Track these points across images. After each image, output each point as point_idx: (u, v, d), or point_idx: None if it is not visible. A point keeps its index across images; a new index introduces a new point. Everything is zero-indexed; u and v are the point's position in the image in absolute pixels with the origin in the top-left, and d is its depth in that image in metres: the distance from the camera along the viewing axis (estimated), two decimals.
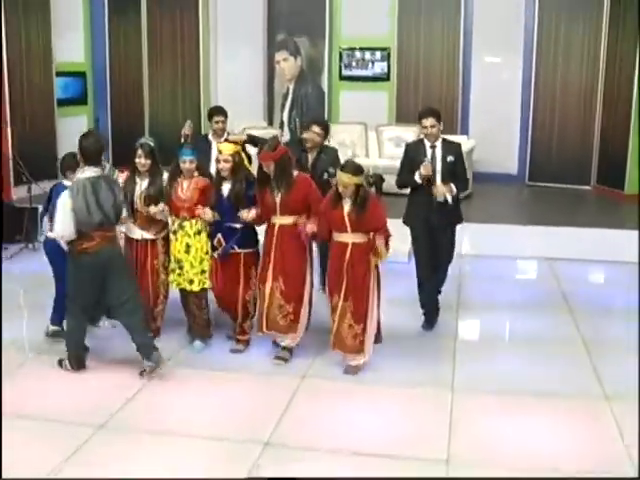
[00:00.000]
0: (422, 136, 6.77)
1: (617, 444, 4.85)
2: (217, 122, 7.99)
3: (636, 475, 4.44)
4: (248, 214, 6.09)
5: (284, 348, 6.23)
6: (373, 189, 5.91)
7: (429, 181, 6.57)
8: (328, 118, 12.77)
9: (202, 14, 13.00)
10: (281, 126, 12.97)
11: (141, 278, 6.45)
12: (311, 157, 7.15)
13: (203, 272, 6.32)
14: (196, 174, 6.32)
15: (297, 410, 5.38)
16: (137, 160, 6.33)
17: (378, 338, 6.10)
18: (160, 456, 4.76)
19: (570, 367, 6.06)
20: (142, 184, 6.38)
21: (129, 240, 6.54)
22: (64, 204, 5.69)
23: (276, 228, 6.07)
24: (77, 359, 6.02)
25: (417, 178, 6.58)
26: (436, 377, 5.92)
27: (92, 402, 5.52)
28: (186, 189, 6.27)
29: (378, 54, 12.80)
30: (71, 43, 12.36)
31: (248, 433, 5.02)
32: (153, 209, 6.31)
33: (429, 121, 6.59)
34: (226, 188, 6.18)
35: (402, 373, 5.99)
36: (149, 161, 6.33)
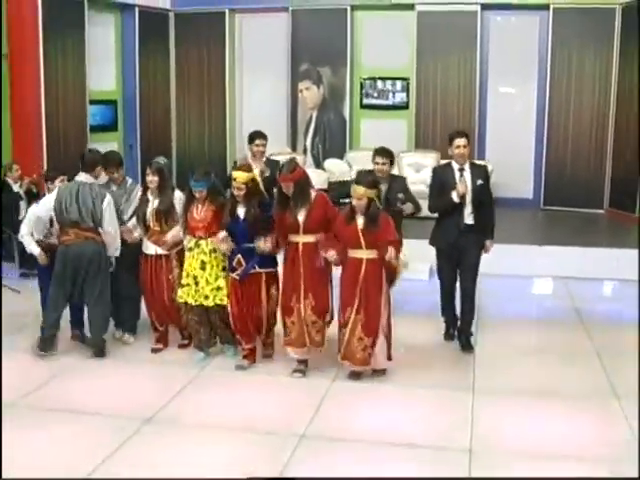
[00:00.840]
0: (448, 161, 6.99)
1: (626, 433, 5.31)
2: (258, 145, 8.17)
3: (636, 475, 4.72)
4: (265, 245, 6.32)
5: (300, 362, 6.48)
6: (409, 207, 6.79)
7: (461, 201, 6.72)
8: (349, 145, 13.34)
9: (228, 45, 13.63)
10: (304, 152, 13.43)
11: (157, 293, 6.89)
12: (383, 188, 6.80)
13: (219, 289, 6.57)
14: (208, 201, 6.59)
15: (329, 408, 5.79)
16: (147, 178, 6.77)
17: (388, 355, 6.30)
18: (204, 448, 5.14)
19: (584, 373, 6.45)
20: (154, 202, 6.80)
21: (145, 256, 6.90)
22: (32, 208, 6.98)
23: (300, 246, 6.27)
24: (49, 341, 6.77)
25: (454, 197, 6.67)
26: (458, 381, 6.31)
27: (137, 398, 5.95)
28: (200, 210, 6.57)
29: (398, 84, 13.30)
30: (104, 72, 12.82)
31: (285, 428, 5.41)
32: (168, 235, 6.75)
33: (462, 141, 6.74)
34: (242, 211, 6.38)
35: (426, 378, 6.39)
36: (156, 178, 6.74)
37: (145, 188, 6.89)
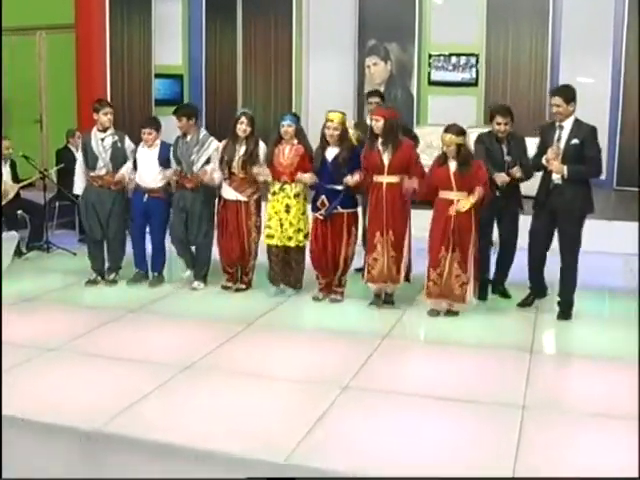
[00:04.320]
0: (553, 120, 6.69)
1: None
2: (370, 103, 8.26)
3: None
4: (352, 179, 6.63)
5: (377, 295, 6.92)
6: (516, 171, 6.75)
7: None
8: (417, 121, 13.06)
9: (295, 19, 13.50)
10: None
11: (234, 237, 7.18)
12: (504, 145, 6.91)
13: (300, 230, 6.92)
14: (296, 141, 6.80)
15: (377, 363, 5.62)
16: (238, 126, 6.98)
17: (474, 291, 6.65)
18: (242, 394, 5.03)
19: None
20: (240, 150, 6.90)
21: (224, 201, 7.16)
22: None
23: (384, 186, 6.63)
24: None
25: (544, 161, 6.46)
26: (517, 342, 6.07)
27: (181, 347, 5.94)
28: (287, 155, 6.82)
29: (467, 60, 12.99)
30: (170, 47, 12.92)
31: (329, 379, 5.26)
32: (257, 169, 6.94)
33: (554, 100, 6.48)
34: (330, 153, 6.75)
35: (484, 337, 6.23)
36: (250, 128, 7.00)
37: (233, 137, 7.10)
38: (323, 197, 6.81)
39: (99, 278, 7.74)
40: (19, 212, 9.31)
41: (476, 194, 6.31)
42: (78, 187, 7.81)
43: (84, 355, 5.76)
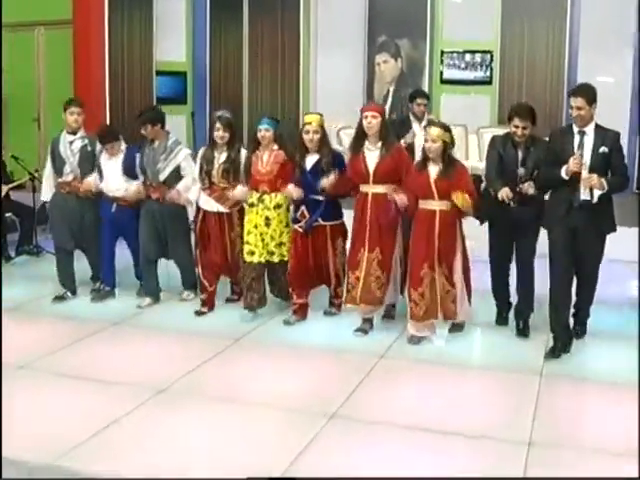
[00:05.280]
0: (569, 123, 5.80)
1: None
2: (419, 104, 8.09)
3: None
4: (327, 180, 6.01)
5: (365, 320, 6.15)
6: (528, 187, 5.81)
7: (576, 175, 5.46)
8: None
9: (303, 15, 12.99)
10: None
11: (218, 251, 6.58)
12: (521, 153, 5.96)
13: (282, 244, 6.32)
14: (275, 147, 6.19)
15: (370, 387, 5.15)
16: (215, 133, 6.30)
17: (469, 301, 6.05)
18: (219, 422, 4.59)
19: None
20: (220, 157, 6.34)
21: (203, 212, 6.57)
22: None
23: (369, 197, 5.97)
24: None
25: (563, 174, 5.47)
26: (525, 364, 5.57)
27: (160, 366, 5.50)
28: (266, 163, 6.19)
29: (481, 57, 12.47)
30: (173, 43, 12.48)
31: (316, 405, 4.81)
32: (232, 194, 6.39)
33: (576, 102, 5.49)
34: (310, 161, 6.10)
35: (489, 359, 5.78)
36: (227, 134, 6.31)
37: (212, 143, 6.50)
38: (303, 208, 6.22)
39: (68, 294, 7.18)
40: (8, 215, 8.95)
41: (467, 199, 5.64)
42: (45, 193, 7.31)
43: (53, 374, 5.33)
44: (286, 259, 6.39)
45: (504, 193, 5.78)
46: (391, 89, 12.88)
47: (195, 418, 4.64)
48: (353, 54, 12.97)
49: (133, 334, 6.26)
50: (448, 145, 5.67)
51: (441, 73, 12.70)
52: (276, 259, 6.39)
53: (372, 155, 5.94)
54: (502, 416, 4.69)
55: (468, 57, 12.51)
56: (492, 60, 12.38)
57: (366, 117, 5.89)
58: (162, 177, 6.69)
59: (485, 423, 4.57)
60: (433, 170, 5.71)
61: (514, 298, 6.33)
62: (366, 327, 6.16)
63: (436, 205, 5.73)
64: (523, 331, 6.11)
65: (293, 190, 6.15)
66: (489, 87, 12.44)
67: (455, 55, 12.59)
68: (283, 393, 5.02)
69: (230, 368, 5.48)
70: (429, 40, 12.57)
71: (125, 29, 11.39)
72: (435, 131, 5.64)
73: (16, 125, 11.79)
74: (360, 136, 5.98)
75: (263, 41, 13.30)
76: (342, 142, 10.51)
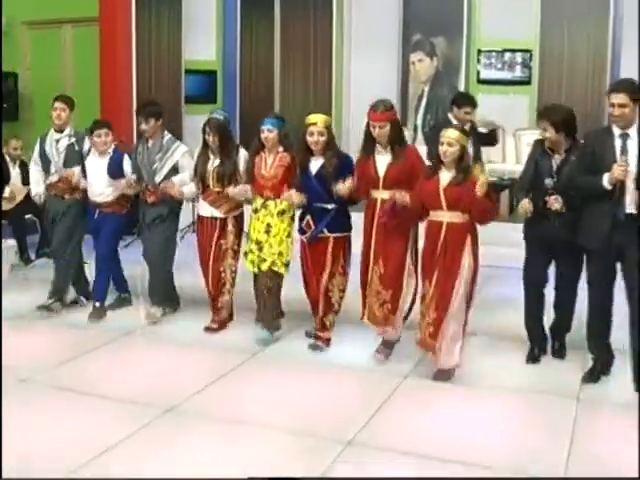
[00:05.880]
0: (607, 125, 5.19)
1: None
2: (467, 113, 7.53)
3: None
4: (344, 186, 5.41)
5: (384, 342, 5.57)
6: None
7: (620, 185, 4.79)
8: None
9: (336, 13, 12.64)
10: (415, 129, 12.36)
11: (209, 261, 6.14)
12: (555, 162, 5.26)
13: (280, 254, 5.75)
14: (281, 149, 5.81)
15: (390, 411, 4.77)
16: (206, 137, 5.93)
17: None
18: (228, 445, 4.26)
19: None
20: (214, 161, 5.97)
21: (200, 218, 6.21)
22: None
23: (378, 204, 5.39)
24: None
25: (605, 182, 4.80)
26: (561, 387, 5.15)
27: (171, 382, 5.20)
28: (270, 166, 5.76)
29: (520, 56, 12.03)
30: (203, 42, 12.23)
31: (332, 431, 4.44)
32: (232, 190, 5.89)
33: (618, 98, 4.82)
34: (315, 165, 5.59)
35: (519, 380, 5.30)
36: (217, 138, 5.90)
37: (206, 145, 6.06)
38: (308, 218, 5.66)
39: (57, 304, 6.76)
40: (28, 216, 8.71)
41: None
42: (34, 190, 6.99)
43: (56, 389, 5.04)
44: (278, 271, 5.82)
45: (522, 206, 5.22)
46: (426, 89, 12.48)
47: (199, 441, 4.31)
48: (387, 53, 12.59)
49: (144, 345, 6.00)
50: (465, 151, 5.05)
51: (478, 72, 12.28)
52: (265, 267, 5.79)
53: (383, 159, 5.38)
54: (534, 446, 4.30)
55: (506, 56, 12.08)
56: (531, 59, 11.94)
57: (374, 127, 5.31)
58: (159, 178, 6.32)
59: (515, 456, 4.18)
60: (444, 177, 5.06)
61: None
62: (383, 350, 5.57)
63: (444, 216, 5.07)
64: (559, 351, 5.67)
65: (294, 195, 5.65)
66: (528, 87, 12.00)
67: (493, 54, 12.16)
68: (297, 414, 4.69)
69: (244, 385, 5.17)
70: (465, 38, 12.15)
71: (153, 27, 11.16)
72: (453, 134, 5.00)
73: (41, 124, 11.55)
74: (369, 140, 5.41)
75: (295, 40, 12.97)
76: None
